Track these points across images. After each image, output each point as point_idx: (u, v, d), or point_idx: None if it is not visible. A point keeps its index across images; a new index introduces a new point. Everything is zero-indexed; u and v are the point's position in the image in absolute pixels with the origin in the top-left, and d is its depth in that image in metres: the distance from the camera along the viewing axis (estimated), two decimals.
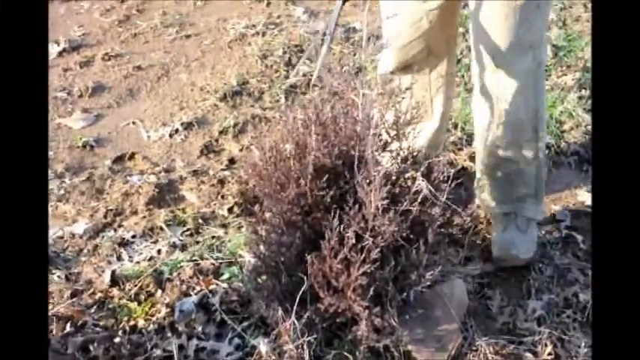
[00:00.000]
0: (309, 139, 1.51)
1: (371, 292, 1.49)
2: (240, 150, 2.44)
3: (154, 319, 1.74)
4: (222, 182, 2.27)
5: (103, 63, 3.05)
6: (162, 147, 2.50)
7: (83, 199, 2.24)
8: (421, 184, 1.52)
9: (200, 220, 2.09)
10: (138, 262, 1.95)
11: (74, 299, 1.82)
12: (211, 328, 1.70)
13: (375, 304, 1.52)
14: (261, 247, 1.60)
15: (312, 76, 1.98)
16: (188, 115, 2.64)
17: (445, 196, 1.55)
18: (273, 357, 1.56)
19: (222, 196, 2.20)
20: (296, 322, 1.52)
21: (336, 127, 1.55)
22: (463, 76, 2.69)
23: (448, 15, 1.81)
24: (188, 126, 2.58)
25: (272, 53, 3.00)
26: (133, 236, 2.05)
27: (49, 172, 2.34)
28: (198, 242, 2.00)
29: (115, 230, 2.09)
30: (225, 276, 1.85)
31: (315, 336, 1.55)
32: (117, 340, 1.67)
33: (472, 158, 2.29)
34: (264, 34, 3.19)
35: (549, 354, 1.62)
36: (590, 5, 3.27)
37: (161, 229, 2.07)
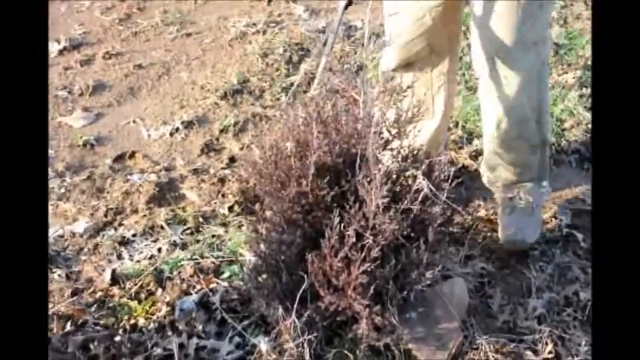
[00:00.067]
0: (310, 137, 1.51)
1: (371, 291, 1.49)
2: (241, 148, 2.44)
3: (154, 317, 1.74)
4: (222, 181, 2.26)
5: (104, 61, 3.05)
6: (163, 145, 2.50)
7: (84, 197, 2.24)
8: (422, 182, 1.52)
9: (200, 219, 2.10)
10: (138, 261, 1.95)
11: (74, 298, 1.82)
12: (212, 327, 1.70)
13: (376, 302, 1.52)
14: (262, 246, 1.60)
15: (313, 74, 1.98)
16: (189, 114, 2.64)
17: (446, 195, 1.56)
18: (274, 355, 1.56)
19: (223, 195, 2.20)
20: (296, 320, 1.52)
21: (337, 125, 1.55)
22: (464, 75, 2.69)
23: (450, 12, 1.81)
24: (188, 124, 2.58)
25: (273, 51, 3.00)
26: (134, 235, 2.06)
27: (50, 170, 2.34)
28: (198, 241, 2.00)
29: (116, 229, 2.09)
30: (226, 275, 1.85)
31: (315, 334, 1.55)
32: (117, 338, 1.67)
33: (473, 157, 2.29)
34: (264, 32, 3.19)
35: (550, 352, 1.62)
36: (590, 3, 3.26)
37: (161, 227, 2.07)
